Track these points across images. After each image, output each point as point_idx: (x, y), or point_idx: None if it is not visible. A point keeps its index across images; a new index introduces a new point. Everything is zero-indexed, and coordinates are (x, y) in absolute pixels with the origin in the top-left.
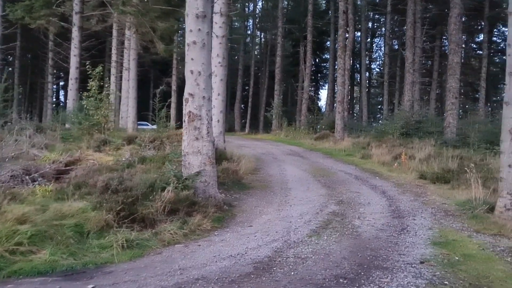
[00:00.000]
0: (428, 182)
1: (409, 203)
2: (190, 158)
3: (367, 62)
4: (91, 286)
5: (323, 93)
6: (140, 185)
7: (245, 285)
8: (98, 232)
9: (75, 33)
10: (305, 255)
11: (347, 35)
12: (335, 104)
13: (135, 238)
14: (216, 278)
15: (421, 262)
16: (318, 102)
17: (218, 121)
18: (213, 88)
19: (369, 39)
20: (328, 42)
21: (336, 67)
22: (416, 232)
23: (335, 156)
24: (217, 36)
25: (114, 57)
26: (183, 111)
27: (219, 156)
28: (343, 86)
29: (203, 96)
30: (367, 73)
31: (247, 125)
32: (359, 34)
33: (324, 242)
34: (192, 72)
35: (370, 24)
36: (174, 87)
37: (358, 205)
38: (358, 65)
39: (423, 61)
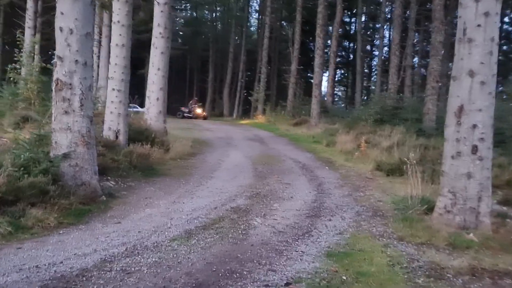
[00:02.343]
0: (383, 174)
1: (339, 199)
2: (58, 136)
3: (369, 47)
4: None
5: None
6: None
7: None
8: None
9: (29, 3)
10: (138, 267)
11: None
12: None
13: None
14: None
15: (287, 284)
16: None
17: (158, 99)
18: (153, 62)
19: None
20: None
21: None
22: (318, 238)
23: (300, 142)
24: (158, 3)
25: None
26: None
27: (146, 138)
28: (320, 68)
29: (76, 60)
30: (369, 58)
31: (236, 110)
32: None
33: (186, 248)
34: (61, 29)
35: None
36: None
37: (276, 199)
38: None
39: (416, 43)
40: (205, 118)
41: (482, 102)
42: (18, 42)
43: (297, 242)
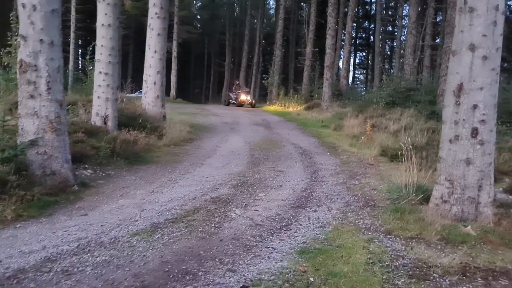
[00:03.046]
0: (388, 159)
1: (331, 187)
2: (24, 122)
3: (390, 28)
4: None
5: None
6: None
7: None
8: None
9: None
10: (83, 267)
11: None
12: (339, 72)
13: None
14: None
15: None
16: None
17: (155, 83)
18: (149, 44)
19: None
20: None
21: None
22: (296, 232)
23: (308, 127)
24: None
25: None
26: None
27: (139, 124)
28: (332, 49)
29: (41, 40)
30: (390, 40)
31: (251, 94)
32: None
33: (145, 244)
34: (24, 5)
35: None
36: (174, 54)
37: (263, 188)
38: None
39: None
40: (252, 105)
41: (483, 79)
42: (11, 24)
43: (271, 237)
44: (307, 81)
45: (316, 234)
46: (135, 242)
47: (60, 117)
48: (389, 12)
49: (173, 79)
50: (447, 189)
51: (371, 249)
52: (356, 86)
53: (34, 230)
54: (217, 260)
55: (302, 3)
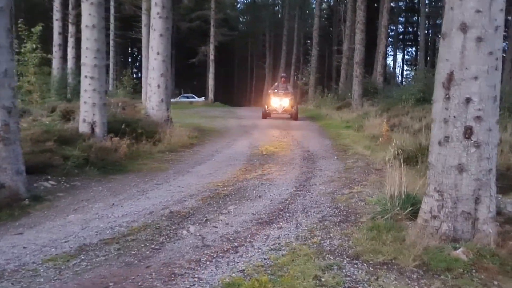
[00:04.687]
0: (400, 163)
1: (315, 197)
2: None
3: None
4: None
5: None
6: None
7: None
8: None
9: None
10: None
11: None
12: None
13: None
14: None
15: None
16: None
17: (159, 86)
18: (152, 46)
19: None
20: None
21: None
22: (242, 255)
23: (329, 128)
24: None
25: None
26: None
27: (133, 130)
28: (361, 44)
29: None
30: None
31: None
32: None
33: (53, 273)
34: None
35: None
36: (212, 57)
37: (237, 199)
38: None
39: None
40: (293, 116)
41: (478, 66)
42: (20, 33)
43: (208, 263)
44: (344, 80)
45: (264, 259)
46: (41, 271)
47: (8, 125)
48: (438, 4)
49: (210, 82)
50: (436, 202)
51: (323, 279)
52: (397, 83)
53: None
54: None
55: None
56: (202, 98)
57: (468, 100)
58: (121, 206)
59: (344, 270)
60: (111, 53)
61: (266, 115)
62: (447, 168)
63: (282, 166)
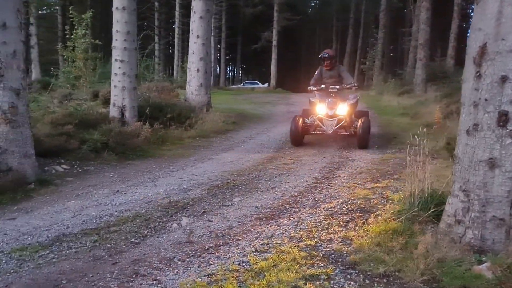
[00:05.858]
0: (449, 154)
1: (331, 191)
2: None
3: None
4: None
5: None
6: None
7: None
8: None
9: None
10: None
11: None
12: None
13: None
14: None
15: None
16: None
17: (198, 70)
18: (192, 29)
19: None
20: None
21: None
22: (220, 256)
23: (383, 115)
24: None
25: None
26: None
27: (165, 114)
28: (426, 24)
29: None
30: None
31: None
32: None
33: (12, 266)
34: None
35: None
36: (274, 42)
37: (247, 191)
38: None
39: None
40: (361, 142)
41: None
42: (71, 19)
43: (180, 263)
44: (412, 64)
45: (242, 262)
46: (3, 262)
47: (16, 107)
48: None
49: (273, 68)
50: (461, 204)
51: None
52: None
53: None
54: None
55: None
56: (266, 85)
57: (503, 79)
58: (124, 193)
59: (332, 282)
60: (176, 40)
61: (297, 138)
62: (475, 162)
63: (311, 156)
